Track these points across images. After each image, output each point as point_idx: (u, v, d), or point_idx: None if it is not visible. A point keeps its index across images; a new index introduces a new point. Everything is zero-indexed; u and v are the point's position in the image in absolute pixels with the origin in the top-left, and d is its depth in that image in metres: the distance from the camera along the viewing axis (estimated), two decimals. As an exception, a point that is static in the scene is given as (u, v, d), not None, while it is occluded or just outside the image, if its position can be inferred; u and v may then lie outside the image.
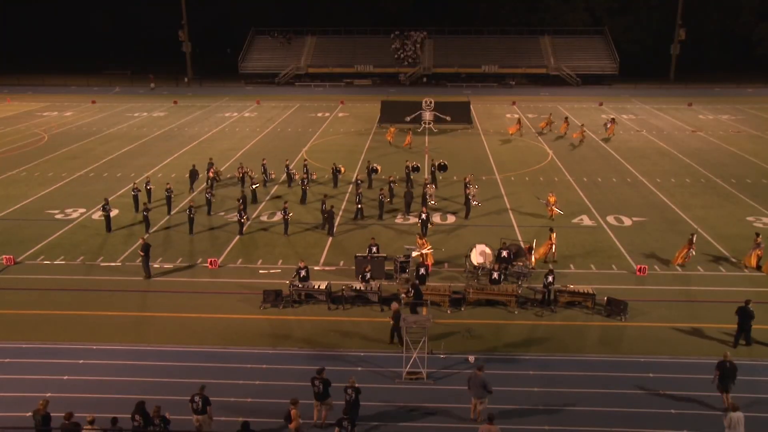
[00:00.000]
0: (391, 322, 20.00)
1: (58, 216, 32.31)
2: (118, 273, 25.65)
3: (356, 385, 16.07)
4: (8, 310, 22.59)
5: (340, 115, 62.00)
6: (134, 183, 33.73)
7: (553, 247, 26.28)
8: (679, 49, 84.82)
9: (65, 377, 18.52)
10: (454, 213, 32.45)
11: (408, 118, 54.60)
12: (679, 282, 24.73)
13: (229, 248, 28.14)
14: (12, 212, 33.10)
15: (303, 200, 34.06)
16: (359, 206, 31.59)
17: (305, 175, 35.78)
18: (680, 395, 17.63)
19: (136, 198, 32.37)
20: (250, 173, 36.13)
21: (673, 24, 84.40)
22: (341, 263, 26.40)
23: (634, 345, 20.21)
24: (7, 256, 26.49)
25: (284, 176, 37.67)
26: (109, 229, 30.04)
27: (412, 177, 36.17)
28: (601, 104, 67.07)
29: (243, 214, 29.59)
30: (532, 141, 49.48)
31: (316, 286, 23.07)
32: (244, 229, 29.73)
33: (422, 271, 23.58)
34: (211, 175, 36.41)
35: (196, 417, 15.69)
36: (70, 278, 25.20)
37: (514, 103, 68.17)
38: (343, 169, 37.34)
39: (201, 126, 56.06)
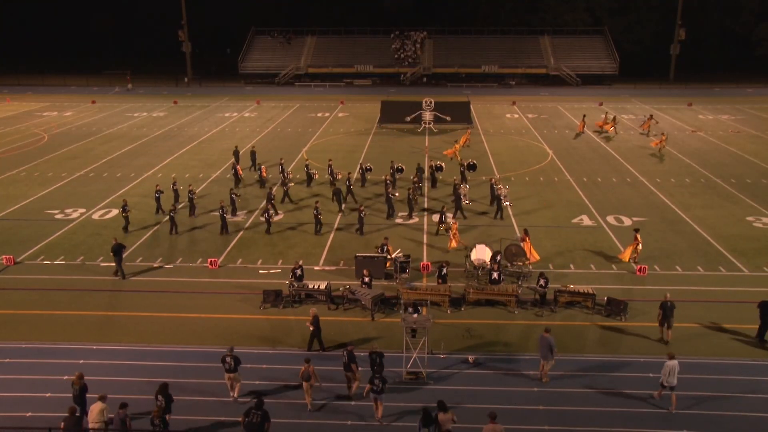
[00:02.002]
0: (311, 328, 19.60)
1: (58, 216, 32.32)
2: (117, 273, 25.60)
3: (378, 350, 17.51)
4: (8, 310, 22.60)
5: (340, 115, 62.00)
6: (157, 185, 33.26)
7: (639, 246, 25.99)
8: (679, 49, 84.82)
9: (65, 377, 18.49)
10: (484, 213, 32.40)
11: (408, 118, 54.62)
12: (679, 282, 24.73)
13: (229, 248, 28.15)
14: (12, 212, 33.10)
15: (345, 199, 34.02)
16: (393, 198, 31.90)
17: (330, 177, 36.35)
18: (680, 395, 17.60)
19: (158, 200, 32.01)
20: (264, 174, 37.15)
21: (673, 24, 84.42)
22: (341, 263, 26.41)
23: (634, 345, 20.22)
24: (7, 256, 26.49)
25: (283, 174, 37.62)
26: (126, 230, 29.87)
27: (437, 176, 36.83)
28: (601, 104, 67.06)
29: (269, 212, 29.79)
30: (532, 141, 49.49)
31: (316, 286, 23.07)
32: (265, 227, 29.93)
33: (444, 270, 23.48)
34: (264, 174, 37.38)
35: (228, 375, 17.28)
36: (70, 278, 25.21)
37: (514, 103, 68.18)
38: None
39: (201, 126, 56.08)
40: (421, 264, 25.69)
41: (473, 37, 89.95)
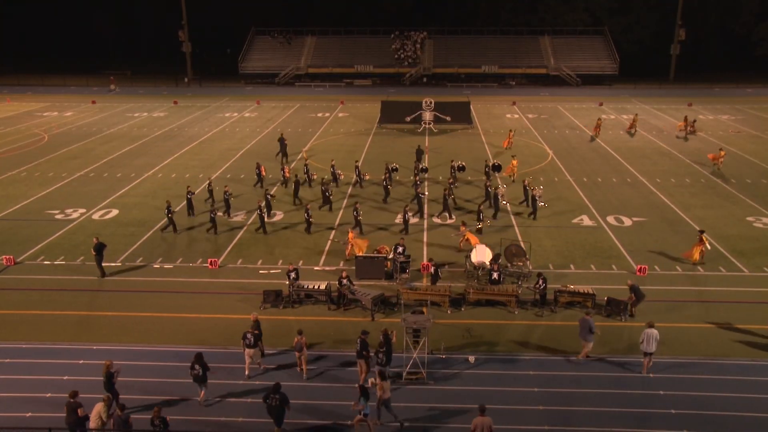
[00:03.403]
0: (254, 333, 19.08)
1: (58, 216, 32.32)
2: (118, 273, 25.65)
3: (389, 334, 17.96)
4: (8, 310, 22.60)
5: (340, 115, 62.01)
6: (188, 186, 33.05)
7: (707, 246, 26.01)
8: (679, 49, 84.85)
9: (65, 377, 18.53)
10: (518, 214, 32.46)
11: (408, 119, 54.64)
12: (679, 282, 24.73)
13: (229, 248, 28.14)
14: (12, 212, 33.10)
15: (385, 200, 34.14)
16: (423, 197, 32.14)
17: (357, 177, 36.63)
18: (680, 395, 17.64)
19: (189, 201, 31.80)
20: (287, 174, 37.09)
21: (673, 24, 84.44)
22: (341, 263, 26.40)
23: (634, 345, 20.19)
24: (7, 256, 26.49)
25: (307, 174, 37.51)
26: (175, 230, 29.71)
27: (457, 176, 36.89)
28: (601, 104, 67.08)
29: (310, 213, 29.83)
30: (533, 141, 49.48)
31: (316, 287, 23.08)
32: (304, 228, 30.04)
33: (432, 270, 23.56)
34: (287, 175, 37.23)
35: (248, 350, 18.39)
36: (70, 278, 25.21)
37: (514, 103, 68.18)
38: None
39: (201, 126, 56.08)
40: (422, 264, 25.69)
41: (473, 37, 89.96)
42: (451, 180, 35.03)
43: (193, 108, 66.33)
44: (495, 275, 23.21)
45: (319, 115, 61.83)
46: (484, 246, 24.92)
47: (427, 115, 54.07)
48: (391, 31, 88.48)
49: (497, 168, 37.57)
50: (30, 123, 57.48)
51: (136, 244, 28.62)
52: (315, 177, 37.43)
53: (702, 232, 26.58)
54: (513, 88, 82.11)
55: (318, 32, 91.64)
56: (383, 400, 16.24)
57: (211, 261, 26.26)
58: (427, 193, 33.42)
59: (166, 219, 29.77)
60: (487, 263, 24.16)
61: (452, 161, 37.84)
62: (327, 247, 28.15)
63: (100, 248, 25.06)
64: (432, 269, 23.90)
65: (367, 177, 37.08)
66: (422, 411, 17.05)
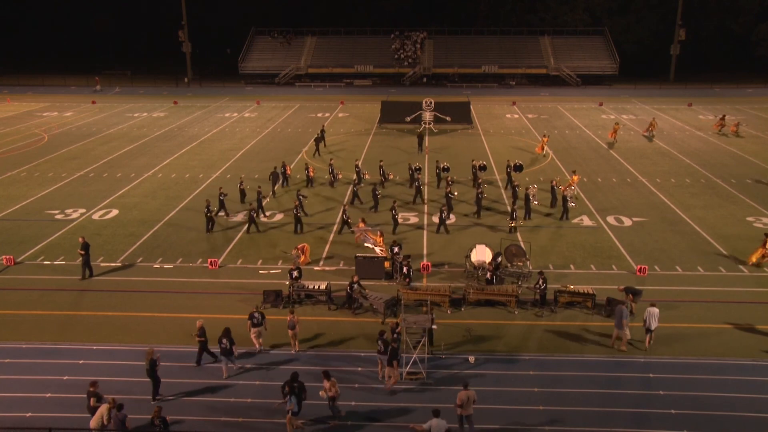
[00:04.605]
0: (200, 340, 19.07)
1: (58, 216, 32.32)
2: (118, 273, 25.66)
3: (398, 330, 18.66)
4: (8, 310, 22.61)
5: (341, 115, 62.00)
6: (220, 187, 32.98)
7: None
8: (679, 49, 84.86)
9: (65, 377, 18.53)
10: (549, 215, 32.46)
11: (408, 119, 54.64)
12: (679, 282, 24.73)
13: (229, 248, 28.15)
14: (12, 212, 33.10)
15: (423, 200, 34.17)
16: (452, 197, 32.27)
17: (382, 177, 36.74)
18: (680, 395, 17.64)
19: (222, 202, 31.71)
20: (311, 174, 37.26)
21: (673, 24, 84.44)
22: (341, 263, 26.41)
23: (634, 345, 20.21)
24: (7, 256, 26.49)
25: (332, 174, 37.53)
26: (212, 227, 29.86)
27: (479, 176, 36.86)
28: (601, 104, 67.08)
29: (347, 213, 29.81)
30: (532, 141, 49.46)
31: (316, 287, 23.08)
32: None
33: (405, 269, 23.85)
34: (312, 174, 37.32)
35: (255, 329, 19.63)
36: (70, 278, 25.21)
37: (514, 103, 68.17)
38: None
39: (201, 126, 56.07)
40: (421, 264, 25.69)
41: (473, 37, 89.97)
42: (480, 179, 35.16)
43: (193, 108, 66.33)
44: (489, 275, 23.26)
45: (319, 115, 61.81)
46: (484, 246, 24.93)
47: (427, 115, 54.07)
48: (391, 31, 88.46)
49: (519, 168, 37.44)
50: (30, 123, 57.47)
51: (136, 244, 28.63)
52: (340, 176, 37.57)
53: (766, 235, 26.18)
54: (513, 88, 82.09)
55: (318, 32, 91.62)
56: (332, 397, 16.55)
57: (211, 261, 26.26)
58: (456, 193, 33.24)
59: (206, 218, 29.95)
60: (488, 263, 24.18)
61: (473, 161, 37.96)
62: (327, 248, 28.16)
63: (87, 247, 25.07)
64: (405, 269, 23.86)
65: (391, 176, 36.96)
66: (422, 411, 17.04)
